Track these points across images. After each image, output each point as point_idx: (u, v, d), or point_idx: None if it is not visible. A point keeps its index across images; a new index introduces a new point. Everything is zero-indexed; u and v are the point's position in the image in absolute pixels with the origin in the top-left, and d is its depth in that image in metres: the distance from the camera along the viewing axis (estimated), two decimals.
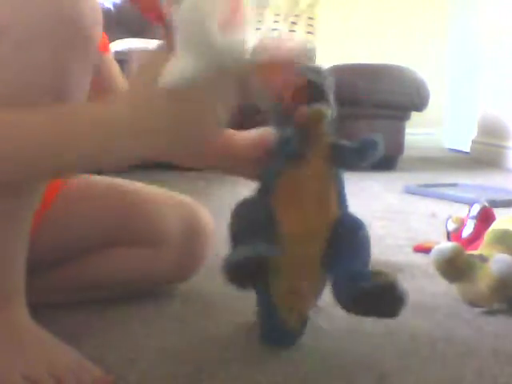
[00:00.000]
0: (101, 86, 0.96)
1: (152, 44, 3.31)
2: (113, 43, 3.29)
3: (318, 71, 0.87)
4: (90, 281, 1.03)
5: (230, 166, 0.97)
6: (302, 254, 0.83)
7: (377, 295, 0.76)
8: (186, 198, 1.09)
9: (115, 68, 1.02)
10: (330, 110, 0.85)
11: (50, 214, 0.97)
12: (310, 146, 0.85)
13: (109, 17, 3.72)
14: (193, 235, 1.05)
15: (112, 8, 3.83)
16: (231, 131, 0.94)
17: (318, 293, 0.88)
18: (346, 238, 0.83)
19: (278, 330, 0.86)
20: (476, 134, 3.92)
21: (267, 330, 0.87)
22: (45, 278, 1.00)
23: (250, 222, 0.83)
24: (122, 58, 3.27)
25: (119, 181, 1.08)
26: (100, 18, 0.73)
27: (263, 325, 0.87)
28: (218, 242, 1.38)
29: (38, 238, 0.90)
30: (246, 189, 0.92)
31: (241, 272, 0.75)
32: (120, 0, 3.87)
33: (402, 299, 0.77)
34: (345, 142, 0.87)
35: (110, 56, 1.03)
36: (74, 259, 1.02)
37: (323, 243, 0.83)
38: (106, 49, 1.01)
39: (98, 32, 0.72)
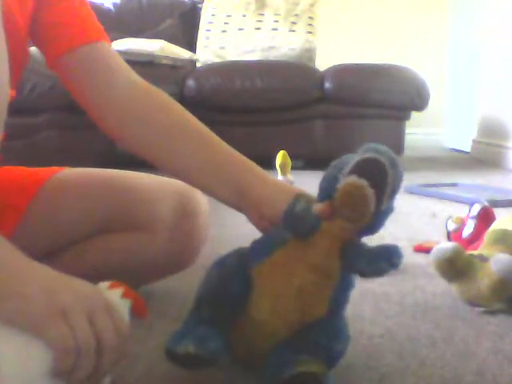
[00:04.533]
0: (96, 76, 0.94)
1: (152, 44, 3.31)
2: (113, 43, 3.29)
3: (387, 155, 0.72)
4: (82, 270, 1.01)
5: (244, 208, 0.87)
6: (264, 348, 0.74)
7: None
8: (177, 181, 1.06)
9: (115, 58, 0.97)
10: (372, 200, 0.70)
11: (36, 206, 0.98)
12: (320, 230, 0.73)
13: (109, 17, 3.72)
14: (184, 214, 1.03)
15: (112, 8, 3.83)
16: (266, 177, 0.87)
17: None
18: (310, 343, 0.72)
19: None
20: (476, 134, 3.92)
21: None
22: None
23: (220, 291, 0.75)
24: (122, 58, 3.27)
25: (107, 170, 1.08)
26: None
27: None
28: (219, 243, 1.38)
29: (25, 229, 0.90)
30: None
31: (180, 363, 0.72)
32: (120, 0, 3.87)
33: None
34: (361, 244, 0.74)
35: (107, 45, 0.96)
36: (66, 249, 1.02)
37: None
38: (100, 36, 0.96)
39: None
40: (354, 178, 0.70)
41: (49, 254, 1.01)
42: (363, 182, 0.70)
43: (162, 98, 0.96)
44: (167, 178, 1.07)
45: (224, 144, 0.91)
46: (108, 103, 0.94)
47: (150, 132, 0.92)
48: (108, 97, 0.94)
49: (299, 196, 0.74)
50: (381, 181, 0.70)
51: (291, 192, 0.79)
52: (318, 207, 0.73)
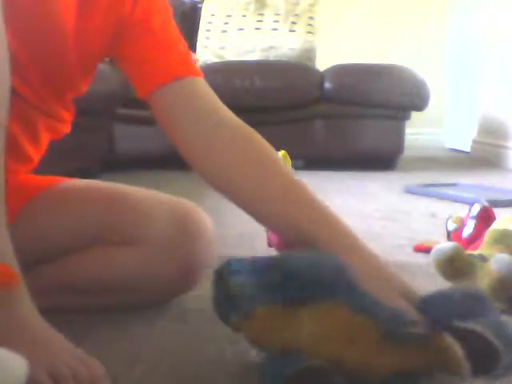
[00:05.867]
0: (178, 117, 0.93)
1: None
2: None
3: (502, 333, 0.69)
4: (71, 282, 0.99)
5: None
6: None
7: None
8: (178, 198, 1.03)
9: (201, 94, 0.96)
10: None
11: (27, 218, 0.97)
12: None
13: None
14: (183, 232, 0.97)
15: None
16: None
17: None
18: None
19: None
20: (476, 134, 3.93)
21: None
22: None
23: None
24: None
25: (102, 183, 1.06)
26: None
27: None
28: (221, 242, 1.38)
29: (17, 230, 0.90)
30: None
31: None
32: None
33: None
34: None
35: (192, 81, 0.96)
36: (56, 261, 0.99)
37: None
38: (184, 71, 0.96)
39: None
40: (450, 340, 0.69)
41: (31, 266, 0.99)
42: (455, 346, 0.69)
43: (252, 144, 0.92)
44: (167, 195, 1.03)
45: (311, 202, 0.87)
46: (191, 150, 0.92)
47: (235, 181, 0.90)
48: (190, 143, 0.92)
49: None
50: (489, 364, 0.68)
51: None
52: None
